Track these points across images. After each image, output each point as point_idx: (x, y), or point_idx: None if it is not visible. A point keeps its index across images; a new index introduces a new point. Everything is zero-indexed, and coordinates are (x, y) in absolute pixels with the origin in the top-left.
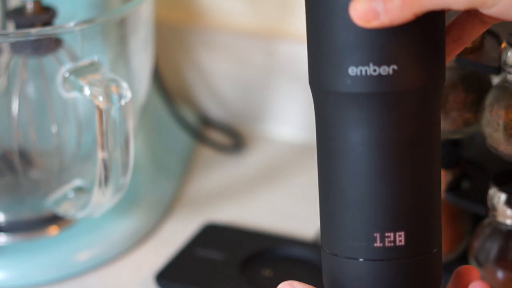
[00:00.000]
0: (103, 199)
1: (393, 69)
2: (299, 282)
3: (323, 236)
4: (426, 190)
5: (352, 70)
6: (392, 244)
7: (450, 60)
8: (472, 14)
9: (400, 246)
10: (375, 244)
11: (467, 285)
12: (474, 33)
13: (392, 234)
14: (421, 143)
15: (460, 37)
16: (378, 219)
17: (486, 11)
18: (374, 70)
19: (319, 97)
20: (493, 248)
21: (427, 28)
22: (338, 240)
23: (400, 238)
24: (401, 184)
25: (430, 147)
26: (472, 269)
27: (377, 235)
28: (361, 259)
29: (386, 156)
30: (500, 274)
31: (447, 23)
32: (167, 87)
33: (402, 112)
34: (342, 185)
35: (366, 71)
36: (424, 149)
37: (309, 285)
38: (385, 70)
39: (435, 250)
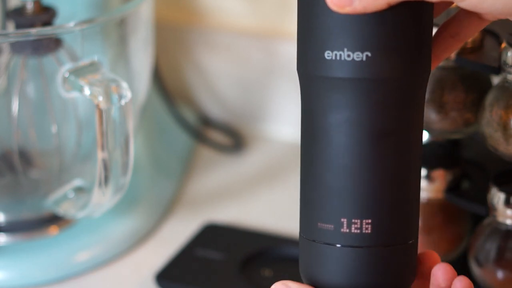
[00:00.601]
0: (103, 199)
1: (367, 56)
2: (294, 281)
3: (300, 221)
4: (400, 181)
5: (328, 54)
6: (358, 231)
7: (447, 55)
8: (469, 10)
9: (367, 234)
10: (342, 230)
11: (430, 268)
12: (472, 30)
13: (359, 221)
14: (397, 134)
15: (457, 33)
16: (346, 204)
17: (460, 3)
18: (348, 56)
19: (301, 81)
20: (493, 248)
21: (404, 19)
22: (309, 223)
23: (367, 226)
24: (371, 172)
25: (407, 138)
26: (432, 253)
27: (344, 220)
28: (328, 244)
29: (358, 143)
30: (500, 274)
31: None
32: (167, 87)
33: (376, 100)
34: (316, 168)
35: (340, 55)
36: (400, 139)
37: (304, 285)
38: (358, 56)
39: (410, 241)
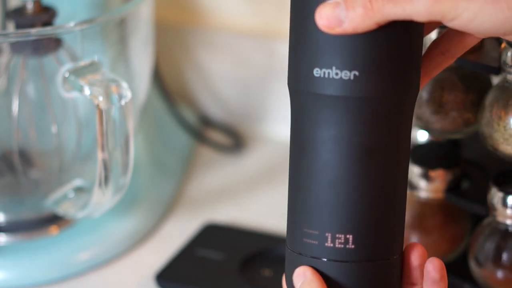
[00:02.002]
0: (103, 199)
1: (354, 75)
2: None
3: (287, 233)
4: (384, 198)
5: (317, 72)
6: (341, 246)
7: (438, 72)
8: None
9: (350, 249)
10: (327, 244)
11: (410, 257)
12: (463, 47)
13: (342, 236)
14: (383, 151)
15: (448, 50)
16: (330, 219)
17: (448, 24)
18: (337, 74)
19: (291, 96)
20: (493, 248)
21: (393, 38)
22: (295, 236)
23: (350, 240)
24: (356, 188)
25: (393, 155)
26: (417, 245)
27: (329, 235)
28: (313, 258)
29: (344, 159)
30: (500, 274)
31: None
32: (167, 87)
33: (363, 118)
34: (302, 182)
35: (329, 73)
36: (385, 157)
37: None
38: (346, 74)
39: (394, 257)
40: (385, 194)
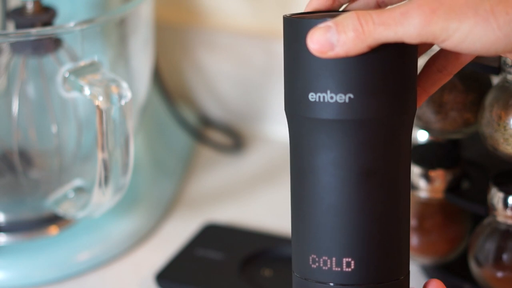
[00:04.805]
0: (103, 199)
1: (349, 98)
2: None
3: (292, 258)
4: (387, 220)
5: (312, 96)
6: (347, 269)
7: (435, 89)
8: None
9: (356, 272)
10: (331, 268)
11: None
12: (459, 64)
13: (347, 260)
14: (382, 173)
15: (444, 67)
16: (333, 243)
17: (440, 45)
18: (331, 98)
19: (288, 121)
20: (493, 247)
21: (386, 60)
22: (300, 260)
23: (353, 264)
24: (357, 211)
25: (393, 177)
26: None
27: (331, 259)
28: (318, 283)
29: (344, 182)
30: (499, 274)
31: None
32: (167, 87)
33: (360, 140)
34: (304, 206)
35: (324, 97)
36: (385, 178)
37: None
38: (341, 98)
39: (400, 278)
40: (387, 215)
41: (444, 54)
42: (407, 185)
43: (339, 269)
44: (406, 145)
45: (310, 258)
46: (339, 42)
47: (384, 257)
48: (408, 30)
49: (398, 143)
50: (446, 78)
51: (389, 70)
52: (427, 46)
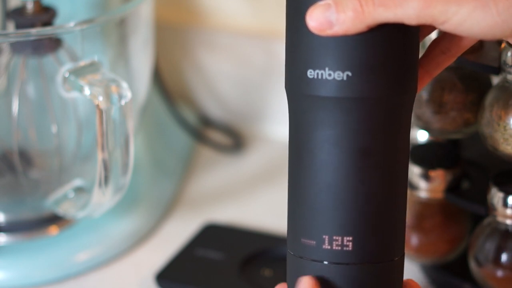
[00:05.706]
0: (103, 199)
1: (347, 75)
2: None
3: (287, 236)
4: (383, 199)
5: (310, 73)
6: (342, 248)
7: (439, 72)
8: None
9: (350, 251)
10: (326, 247)
11: None
12: (463, 46)
13: (340, 238)
14: (381, 153)
15: (448, 49)
16: (329, 221)
17: (439, 27)
18: (329, 75)
19: (288, 99)
20: (493, 247)
21: (385, 40)
22: (295, 238)
23: (348, 243)
24: (352, 190)
25: (391, 157)
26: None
27: (326, 237)
28: (312, 260)
29: (340, 161)
30: (499, 274)
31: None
32: (167, 87)
33: (357, 119)
34: (300, 184)
35: (322, 74)
36: (383, 158)
37: None
38: (339, 75)
39: (395, 258)
40: (384, 195)
41: (448, 36)
42: (405, 167)
43: (332, 247)
44: (405, 127)
45: (305, 235)
46: (338, 21)
47: (379, 237)
48: (408, 12)
49: (397, 123)
50: (449, 60)
51: (388, 49)
52: (429, 28)
